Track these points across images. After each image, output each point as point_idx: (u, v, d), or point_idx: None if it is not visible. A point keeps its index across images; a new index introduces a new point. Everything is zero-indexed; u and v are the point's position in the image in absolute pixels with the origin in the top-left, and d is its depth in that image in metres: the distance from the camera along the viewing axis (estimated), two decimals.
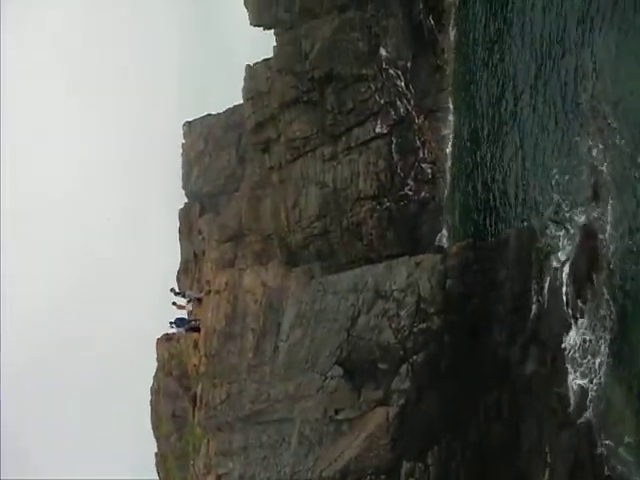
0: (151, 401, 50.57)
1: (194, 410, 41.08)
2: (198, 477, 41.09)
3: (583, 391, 26.35)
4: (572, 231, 27.91)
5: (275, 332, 33.82)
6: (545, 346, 28.43)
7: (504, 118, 33.17)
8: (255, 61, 44.54)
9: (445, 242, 35.51)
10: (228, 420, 36.00)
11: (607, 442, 24.97)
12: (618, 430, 24.46)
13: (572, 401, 26.81)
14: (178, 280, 52.37)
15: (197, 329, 40.03)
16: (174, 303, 42.60)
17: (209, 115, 52.51)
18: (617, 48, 25.65)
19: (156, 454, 51.19)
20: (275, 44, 42.71)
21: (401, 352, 30.35)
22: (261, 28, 44.21)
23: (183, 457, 45.38)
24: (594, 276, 26.43)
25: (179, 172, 53.89)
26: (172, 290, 43.09)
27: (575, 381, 26.89)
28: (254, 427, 35.05)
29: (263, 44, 45.94)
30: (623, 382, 24.54)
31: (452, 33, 37.90)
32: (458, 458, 29.66)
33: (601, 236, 26.16)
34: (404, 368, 30.19)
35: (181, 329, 42.40)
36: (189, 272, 50.74)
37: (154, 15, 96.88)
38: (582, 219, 27.43)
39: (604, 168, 26.16)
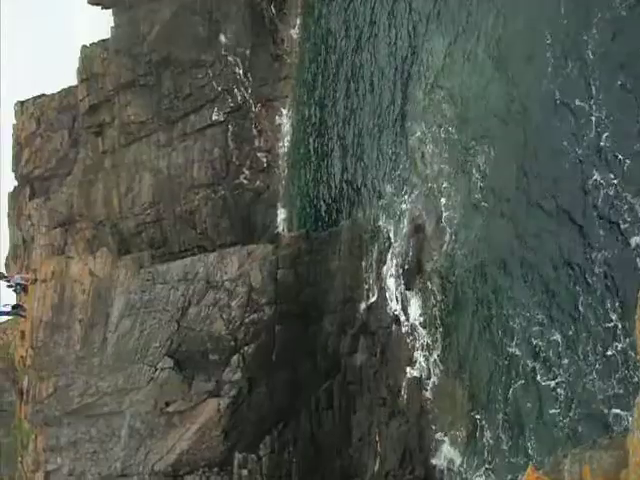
0: None
1: (21, 404, 39.33)
2: (27, 474, 39.46)
3: (412, 382, 26.70)
4: (402, 224, 28.27)
5: (103, 323, 32.73)
6: (375, 337, 28.76)
7: (340, 109, 33.40)
8: (91, 41, 42.94)
9: (279, 232, 35.43)
10: (56, 414, 34.63)
11: (436, 431, 25.37)
12: (447, 420, 24.93)
13: (402, 391, 27.15)
14: (7, 267, 49.97)
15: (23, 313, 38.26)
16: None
17: (43, 95, 50.26)
18: (449, 46, 26.23)
19: None
20: (112, 25, 41.32)
21: (232, 343, 30.20)
22: (99, 7, 42.70)
23: (11, 453, 43.50)
24: (423, 269, 26.83)
25: (9, 154, 51.64)
26: None
27: (404, 372, 27.22)
28: (83, 421, 33.95)
29: (100, 24, 44.38)
30: (453, 373, 25.02)
31: (295, 23, 37.79)
32: (290, 448, 29.82)
33: (429, 229, 26.56)
34: (235, 359, 30.10)
35: (6, 315, 40.56)
36: (18, 259, 48.53)
37: None
38: (412, 212, 27.80)
39: (434, 161, 26.60)
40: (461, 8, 25.83)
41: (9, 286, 39.50)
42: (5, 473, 44.94)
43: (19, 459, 40.92)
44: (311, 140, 34.65)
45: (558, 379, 20.20)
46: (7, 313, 39.55)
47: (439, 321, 25.94)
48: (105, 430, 33.26)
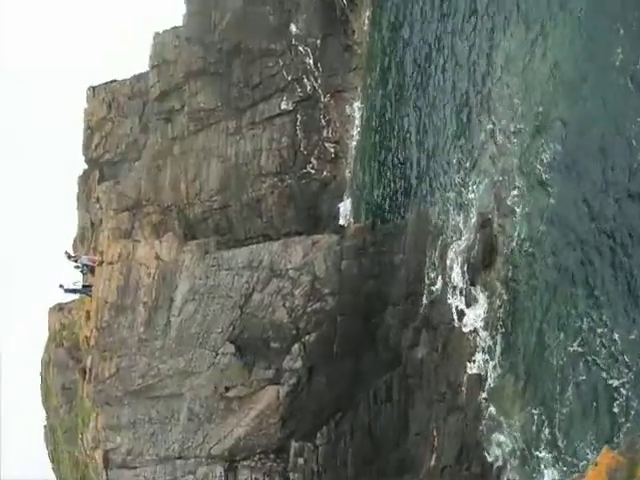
0: (41, 372, 49.33)
1: (84, 383, 40.12)
2: (86, 451, 40.26)
3: (472, 378, 26.44)
4: (470, 217, 27.96)
5: (167, 307, 33.23)
6: (437, 332, 28.51)
7: (410, 101, 33.17)
8: (163, 29, 43.55)
9: (345, 222, 35.43)
10: (117, 394, 35.30)
11: (493, 429, 25.14)
12: (504, 418, 24.71)
13: (462, 387, 26.92)
14: (75, 249, 50.93)
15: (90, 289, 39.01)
16: (67, 253, 41.65)
17: (114, 81, 51.11)
18: (523, 39, 25.90)
19: (45, 426, 50.08)
20: (185, 12, 41.76)
21: (294, 331, 30.30)
22: None
23: (72, 430, 44.41)
24: (489, 265, 26.51)
25: (80, 138, 52.64)
26: (66, 253, 42.01)
27: (465, 367, 27.00)
28: (143, 402, 34.50)
29: (172, 11, 44.98)
30: (512, 371, 24.75)
31: (366, 14, 37.64)
32: (347, 439, 29.77)
33: (498, 224, 26.23)
34: (296, 347, 30.18)
35: (73, 293, 41.40)
36: (85, 241, 49.44)
37: None
38: (480, 205, 27.46)
39: (504, 154, 26.28)
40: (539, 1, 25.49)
41: (76, 267, 40.35)
42: (66, 449, 45.92)
43: (80, 436, 41.80)
44: (380, 131, 34.51)
45: (622, 379, 19.88)
46: (76, 291, 40.44)
47: (502, 318, 25.53)
48: (164, 412, 33.74)
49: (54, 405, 47.14)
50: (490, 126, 27.21)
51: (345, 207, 35.62)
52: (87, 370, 38.71)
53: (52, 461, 49.88)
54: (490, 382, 25.75)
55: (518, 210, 25.10)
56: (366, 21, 37.58)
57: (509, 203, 25.52)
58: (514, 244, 25.15)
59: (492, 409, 25.35)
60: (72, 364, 44.46)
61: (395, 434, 29.30)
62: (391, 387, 29.67)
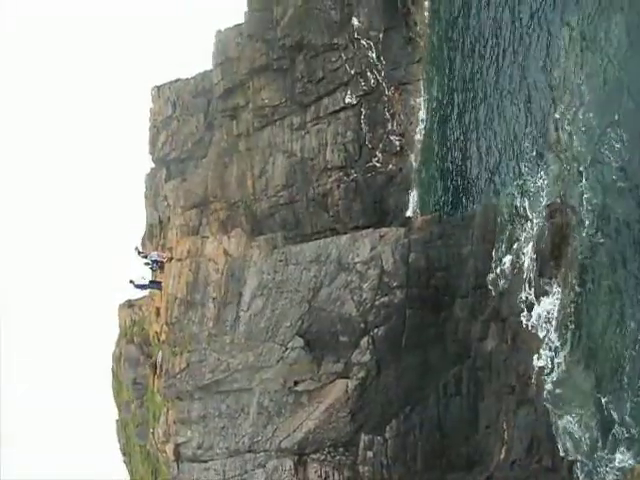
0: (112, 367, 50.26)
1: (154, 378, 40.79)
2: (157, 445, 40.91)
3: (543, 370, 26.22)
4: (538, 208, 27.67)
5: (236, 302, 33.57)
6: (506, 324, 28.27)
7: (475, 92, 32.91)
8: (226, 26, 43.96)
9: (411, 215, 35.26)
10: (188, 389, 35.81)
11: (563, 421, 24.91)
12: (574, 410, 24.47)
13: (531, 379, 26.69)
14: (143, 246, 51.84)
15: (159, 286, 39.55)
16: (137, 249, 42.39)
17: (178, 80, 51.84)
18: (587, 28, 25.55)
19: (117, 421, 51.03)
20: (246, 9, 42.05)
21: (362, 325, 30.26)
22: None
23: (143, 424, 45.17)
24: (558, 256, 26.22)
25: (146, 137, 53.47)
26: (136, 249, 42.76)
27: (535, 360, 26.75)
28: (213, 396, 34.92)
29: (234, 9, 45.41)
30: (582, 363, 24.51)
31: (426, 5, 37.41)
32: (416, 432, 29.65)
33: (567, 214, 25.91)
34: (365, 341, 30.15)
35: (143, 288, 42.01)
36: (154, 238, 50.26)
37: None
38: (549, 195, 27.14)
39: (572, 143, 25.94)
40: None
41: (146, 263, 41.03)
42: (138, 443, 46.72)
43: (151, 430, 42.49)
44: (445, 122, 34.25)
45: None
46: (146, 286, 41.09)
47: (572, 308, 25.32)
48: (234, 406, 34.11)
49: (125, 400, 48.00)
50: (557, 115, 26.90)
51: (412, 199, 35.46)
52: (158, 365, 39.40)
53: (123, 454, 50.83)
54: (560, 373, 25.57)
55: (587, 198, 24.77)
56: (427, 12, 37.34)
57: (578, 192, 25.21)
58: (584, 234, 24.84)
59: (562, 400, 25.17)
60: (143, 359, 45.21)
61: (465, 427, 29.10)
62: (460, 380, 29.45)
